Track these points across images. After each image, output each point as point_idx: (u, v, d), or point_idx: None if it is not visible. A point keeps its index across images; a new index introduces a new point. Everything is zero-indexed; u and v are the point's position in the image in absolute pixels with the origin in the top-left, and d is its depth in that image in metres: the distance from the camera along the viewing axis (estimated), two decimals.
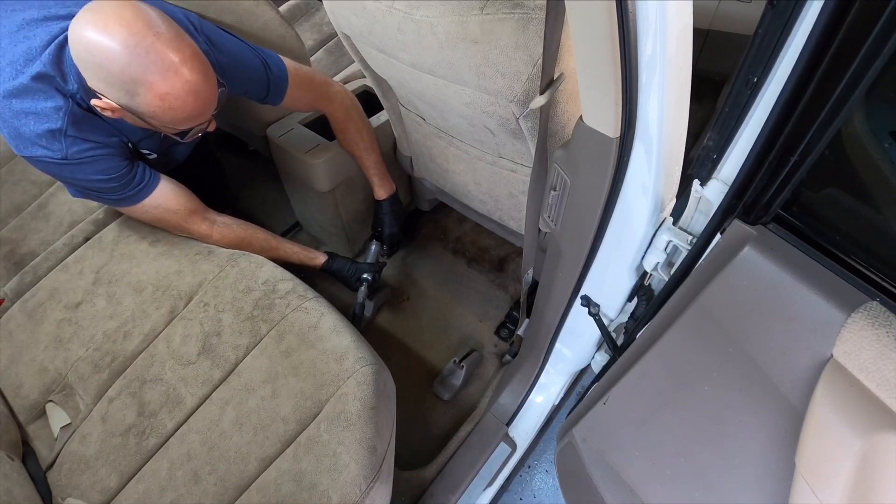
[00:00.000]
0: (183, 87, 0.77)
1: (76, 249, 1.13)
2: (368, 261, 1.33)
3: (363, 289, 1.27)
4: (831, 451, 0.42)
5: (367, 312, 1.32)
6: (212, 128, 0.91)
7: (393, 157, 1.42)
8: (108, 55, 0.73)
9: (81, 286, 1.05)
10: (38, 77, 0.82)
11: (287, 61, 1.05)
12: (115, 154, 0.92)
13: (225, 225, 1.10)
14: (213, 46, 0.94)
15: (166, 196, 1.01)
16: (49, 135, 0.84)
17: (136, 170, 0.96)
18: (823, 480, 0.44)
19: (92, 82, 0.77)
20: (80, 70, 0.77)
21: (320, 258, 1.24)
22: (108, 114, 0.82)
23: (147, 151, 1.01)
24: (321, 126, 1.33)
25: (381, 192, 1.31)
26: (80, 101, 0.85)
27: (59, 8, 0.85)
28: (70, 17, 0.79)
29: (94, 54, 0.74)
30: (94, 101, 0.80)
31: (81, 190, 0.96)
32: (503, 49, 0.71)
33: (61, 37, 0.82)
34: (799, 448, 0.46)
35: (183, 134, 0.89)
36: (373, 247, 1.37)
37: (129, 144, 0.96)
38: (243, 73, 0.98)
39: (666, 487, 0.69)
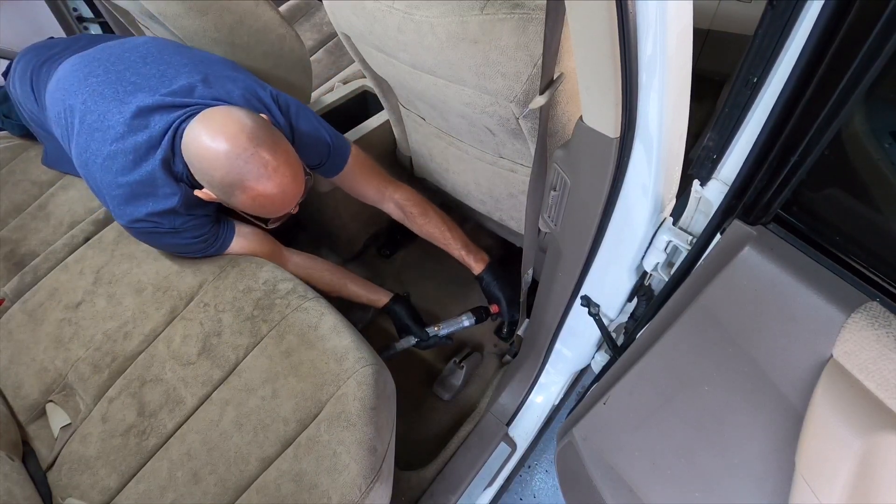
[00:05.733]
0: (273, 189, 0.85)
1: (76, 249, 1.13)
2: (446, 330, 1.20)
3: (408, 342, 1.21)
4: (831, 451, 0.42)
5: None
6: (295, 211, 0.97)
7: (393, 158, 1.41)
8: (214, 163, 0.83)
9: (81, 286, 1.05)
10: (160, 164, 0.89)
11: (354, 146, 1.10)
12: (210, 221, 1.00)
13: (294, 265, 1.14)
14: (290, 120, 0.99)
15: (242, 248, 1.06)
16: (163, 213, 0.92)
17: (219, 229, 1.03)
18: (823, 480, 0.44)
19: (197, 177, 0.88)
20: (189, 167, 0.88)
21: (383, 299, 1.20)
22: (207, 199, 0.92)
23: None
24: None
25: (478, 266, 1.18)
26: (188, 184, 0.93)
27: (167, 95, 0.91)
28: (181, 106, 0.90)
29: (203, 160, 0.84)
30: (196, 192, 0.91)
31: (167, 249, 1.04)
32: (503, 49, 0.71)
33: (175, 124, 0.89)
34: (799, 448, 0.46)
35: (267, 221, 1.00)
36: (464, 321, 1.20)
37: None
38: (311, 144, 1.03)
39: (666, 487, 0.69)
